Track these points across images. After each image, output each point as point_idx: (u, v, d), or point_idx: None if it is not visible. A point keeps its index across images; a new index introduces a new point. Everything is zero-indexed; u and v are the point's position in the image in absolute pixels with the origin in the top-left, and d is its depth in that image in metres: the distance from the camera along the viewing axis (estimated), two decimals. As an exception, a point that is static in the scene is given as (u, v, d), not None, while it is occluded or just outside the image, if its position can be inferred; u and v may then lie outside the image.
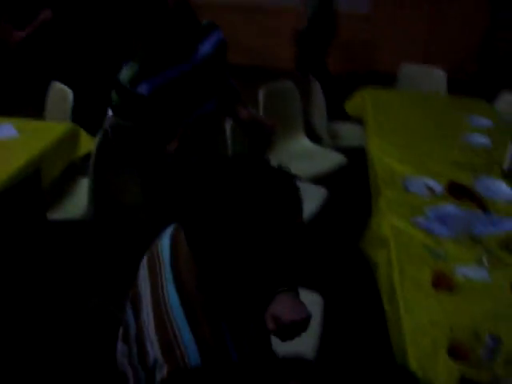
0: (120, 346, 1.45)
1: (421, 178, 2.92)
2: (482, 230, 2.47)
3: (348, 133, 4.57)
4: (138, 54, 2.41)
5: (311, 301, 2.56)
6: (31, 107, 3.85)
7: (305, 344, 2.30)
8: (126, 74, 2.37)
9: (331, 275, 3.59)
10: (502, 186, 2.89)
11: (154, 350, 1.23)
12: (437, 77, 4.91)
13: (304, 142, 4.24)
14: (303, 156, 4.06)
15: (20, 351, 2.79)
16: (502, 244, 2.36)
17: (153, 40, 2.40)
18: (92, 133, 3.47)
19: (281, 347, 2.03)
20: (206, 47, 2.53)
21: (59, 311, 3.08)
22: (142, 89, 2.36)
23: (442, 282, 2.07)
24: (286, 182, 1.23)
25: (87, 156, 3.29)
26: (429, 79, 4.95)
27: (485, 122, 3.84)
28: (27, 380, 2.68)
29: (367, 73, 7.40)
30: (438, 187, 2.83)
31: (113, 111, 2.45)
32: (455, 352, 1.76)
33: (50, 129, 3.42)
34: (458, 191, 2.77)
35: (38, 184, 2.70)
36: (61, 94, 3.65)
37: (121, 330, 1.48)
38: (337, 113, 4.68)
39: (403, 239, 2.40)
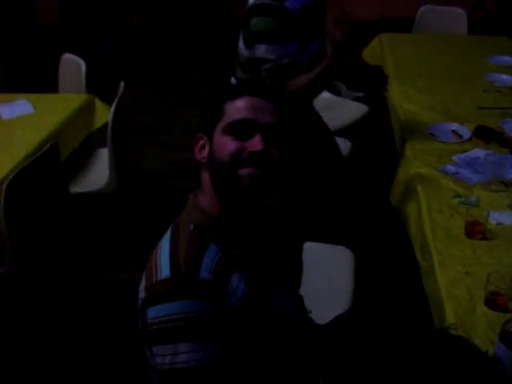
0: None
1: (446, 124, 2.83)
2: (514, 173, 2.39)
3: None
4: None
5: (342, 256, 2.54)
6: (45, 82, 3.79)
7: (338, 300, 2.28)
8: None
9: (361, 229, 3.53)
10: (531, 126, 2.79)
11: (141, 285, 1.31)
12: (456, 16, 4.72)
13: (324, 95, 4.13)
14: (324, 109, 3.95)
15: (38, 324, 2.82)
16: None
17: None
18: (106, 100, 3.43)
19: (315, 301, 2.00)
20: None
21: (82, 285, 3.10)
22: (289, 4, 2.33)
23: (476, 230, 2.02)
24: None
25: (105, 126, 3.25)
26: (448, 20, 4.76)
27: (509, 59, 3.71)
28: (44, 352, 2.71)
29: (382, 20, 7.19)
30: (465, 132, 2.75)
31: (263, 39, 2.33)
32: (493, 302, 1.72)
33: (66, 101, 3.37)
34: (485, 134, 2.68)
35: (57, 158, 2.67)
36: (73, 64, 3.58)
37: None
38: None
39: (432, 188, 2.34)
